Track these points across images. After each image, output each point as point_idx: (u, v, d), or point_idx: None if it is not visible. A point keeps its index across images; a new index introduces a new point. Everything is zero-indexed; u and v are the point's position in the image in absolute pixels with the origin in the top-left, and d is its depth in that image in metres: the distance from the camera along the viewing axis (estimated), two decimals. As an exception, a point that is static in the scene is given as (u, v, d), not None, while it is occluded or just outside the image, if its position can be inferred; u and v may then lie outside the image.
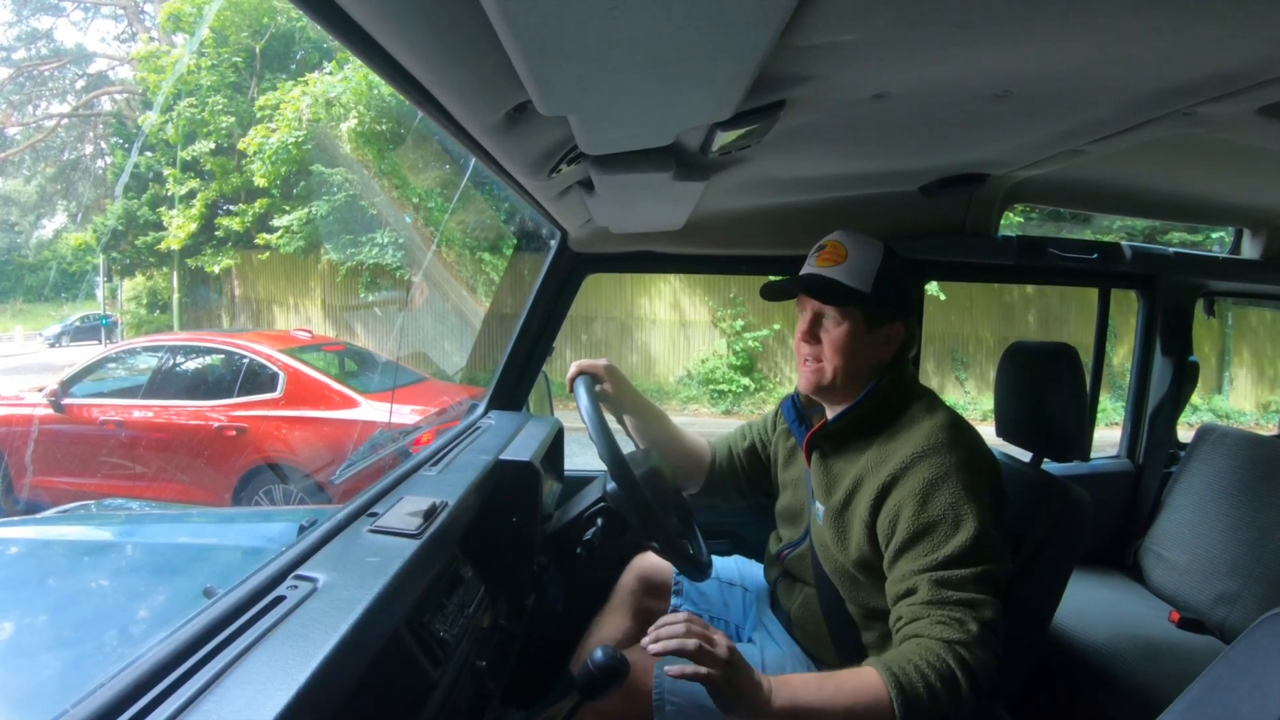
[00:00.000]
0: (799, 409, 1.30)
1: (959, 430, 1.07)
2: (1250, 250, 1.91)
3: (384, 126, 8.74)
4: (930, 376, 9.05)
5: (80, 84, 13.54)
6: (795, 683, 0.91)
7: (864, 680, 0.89)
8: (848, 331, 1.13)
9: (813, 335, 1.16)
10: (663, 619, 0.92)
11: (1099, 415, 2.14)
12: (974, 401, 9.10)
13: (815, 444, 1.20)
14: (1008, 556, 1.01)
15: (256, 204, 9.33)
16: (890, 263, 1.14)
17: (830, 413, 1.22)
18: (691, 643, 0.87)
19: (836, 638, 1.18)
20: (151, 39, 11.34)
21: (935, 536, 0.98)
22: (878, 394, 1.14)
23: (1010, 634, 0.99)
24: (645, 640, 0.90)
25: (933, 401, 1.15)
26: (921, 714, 0.86)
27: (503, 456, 1.21)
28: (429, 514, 0.92)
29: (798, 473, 1.31)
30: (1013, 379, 1.42)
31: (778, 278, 1.22)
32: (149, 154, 9.92)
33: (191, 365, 4.67)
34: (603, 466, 1.18)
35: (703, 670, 0.87)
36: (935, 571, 0.96)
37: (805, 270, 1.18)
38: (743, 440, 1.45)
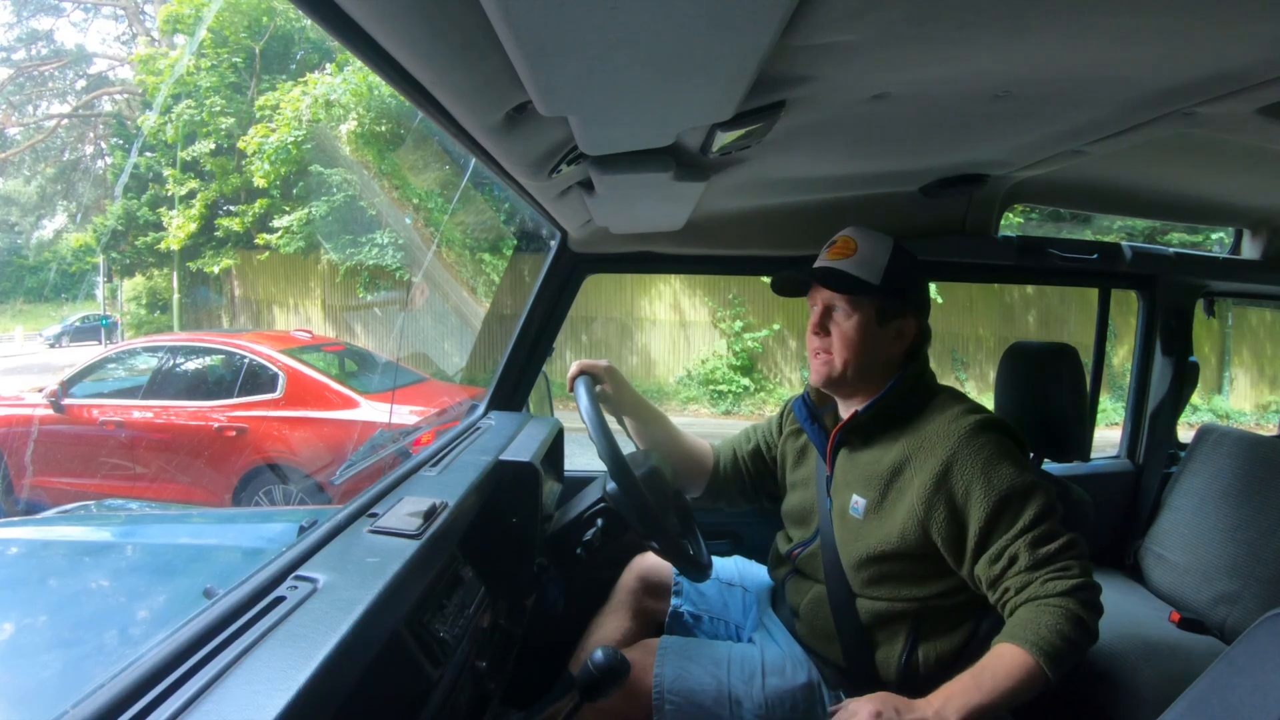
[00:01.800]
0: (811, 408, 1.30)
1: (989, 414, 1.14)
2: (1250, 250, 1.90)
3: (384, 127, 8.74)
4: (930, 377, 9.02)
5: (80, 85, 13.56)
6: (957, 690, 0.96)
7: (1009, 659, 0.96)
8: (858, 324, 1.15)
9: (823, 327, 1.19)
10: None
11: (1099, 415, 2.14)
12: (974, 402, 9.08)
13: (844, 439, 1.21)
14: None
15: (256, 204, 9.33)
16: (900, 257, 1.17)
17: (845, 408, 1.23)
18: None
19: (843, 634, 1.18)
20: (152, 40, 11.35)
21: (1013, 507, 1.05)
22: (903, 385, 1.17)
23: None
24: None
25: (955, 392, 1.19)
26: (1067, 663, 0.96)
27: (503, 457, 1.20)
28: (429, 514, 0.91)
29: (808, 472, 1.31)
30: (1013, 379, 1.42)
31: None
32: (149, 154, 9.92)
33: (191, 366, 4.67)
34: (603, 467, 1.18)
35: None
36: (1027, 534, 1.03)
37: (816, 264, 1.20)
38: (747, 443, 1.45)
